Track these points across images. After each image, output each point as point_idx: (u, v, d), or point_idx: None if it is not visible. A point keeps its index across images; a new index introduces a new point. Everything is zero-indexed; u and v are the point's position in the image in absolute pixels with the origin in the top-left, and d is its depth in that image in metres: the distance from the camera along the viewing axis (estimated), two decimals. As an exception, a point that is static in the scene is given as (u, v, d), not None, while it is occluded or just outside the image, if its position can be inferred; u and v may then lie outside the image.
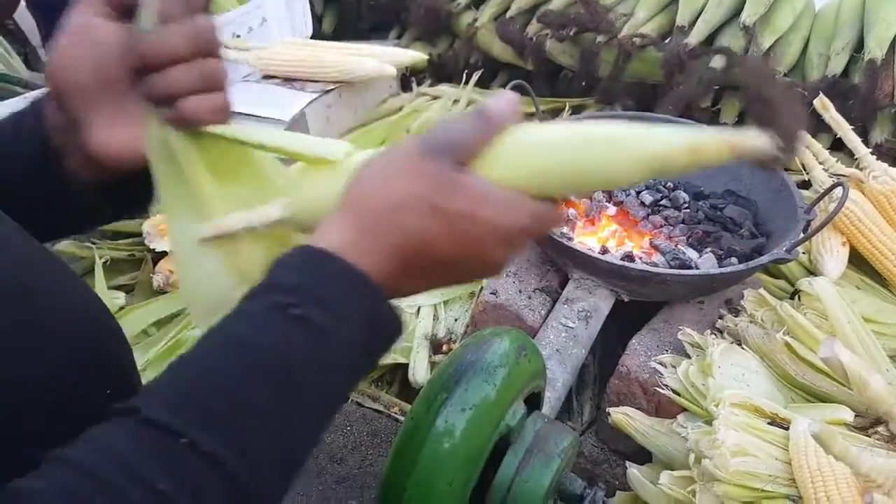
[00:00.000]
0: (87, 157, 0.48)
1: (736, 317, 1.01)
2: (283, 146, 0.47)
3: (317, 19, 1.73)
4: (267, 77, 1.48)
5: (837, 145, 1.28)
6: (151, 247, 1.22)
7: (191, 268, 0.51)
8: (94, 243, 1.23)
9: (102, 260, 1.21)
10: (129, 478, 0.33)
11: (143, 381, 0.54)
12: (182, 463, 0.34)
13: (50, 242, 0.63)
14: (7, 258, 0.44)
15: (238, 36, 1.62)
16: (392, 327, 0.42)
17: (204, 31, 0.45)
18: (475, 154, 0.42)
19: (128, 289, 1.25)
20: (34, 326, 0.44)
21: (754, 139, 0.40)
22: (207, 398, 0.36)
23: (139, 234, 1.25)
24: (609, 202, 1.11)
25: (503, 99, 0.43)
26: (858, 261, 1.13)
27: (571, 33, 1.48)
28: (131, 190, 0.52)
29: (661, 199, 1.11)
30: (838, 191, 0.99)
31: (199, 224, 0.49)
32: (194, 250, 0.49)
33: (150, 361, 1.08)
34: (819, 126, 1.33)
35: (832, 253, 1.09)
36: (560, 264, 1.05)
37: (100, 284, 1.18)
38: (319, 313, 0.39)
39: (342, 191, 0.43)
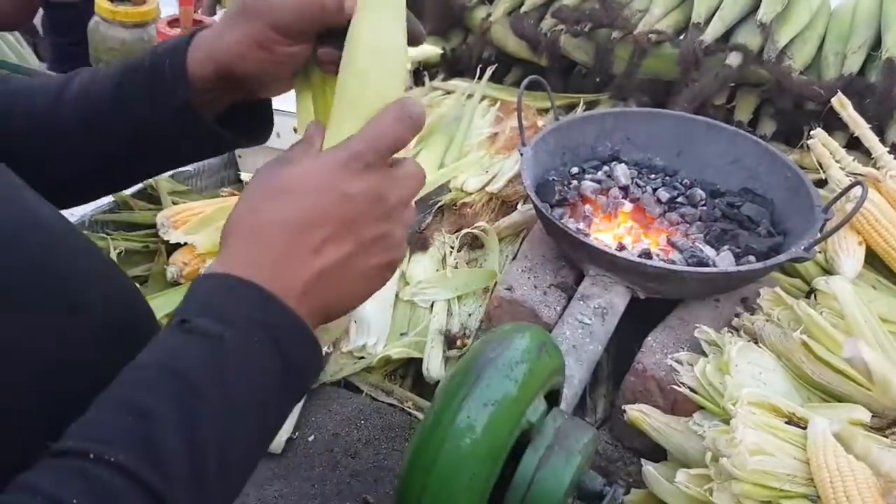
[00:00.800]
0: (228, 83, 0.54)
1: (752, 315, 1.01)
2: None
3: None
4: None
5: (853, 144, 1.28)
6: (165, 238, 1.21)
7: None
8: (107, 234, 1.23)
9: (117, 251, 1.21)
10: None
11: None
12: (90, 477, 0.34)
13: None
14: (41, 234, 0.45)
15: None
16: (295, 328, 0.43)
17: None
18: (298, 156, 0.48)
19: (141, 280, 1.25)
20: (72, 309, 0.45)
21: None
22: (114, 416, 0.37)
23: (153, 226, 1.25)
24: (625, 199, 1.11)
25: (309, 126, 0.51)
26: (874, 260, 1.13)
27: (586, 29, 1.47)
28: (254, 120, 0.60)
29: (678, 196, 1.11)
30: (856, 190, 0.99)
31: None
32: None
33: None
34: (835, 124, 1.32)
35: (848, 252, 1.09)
36: (576, 260, 1.05)
37: (113, 276, 1.18)
38: (205, 322, 0.40)
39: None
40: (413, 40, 0.53)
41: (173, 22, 1.48)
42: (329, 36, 0.53)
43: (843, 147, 1.22)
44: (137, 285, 1.20)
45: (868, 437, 0.84)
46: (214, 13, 1.72)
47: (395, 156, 0.48)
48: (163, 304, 1.15)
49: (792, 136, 1.42)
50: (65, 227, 0.49)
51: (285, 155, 0.48)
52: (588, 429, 0.69)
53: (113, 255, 1.19)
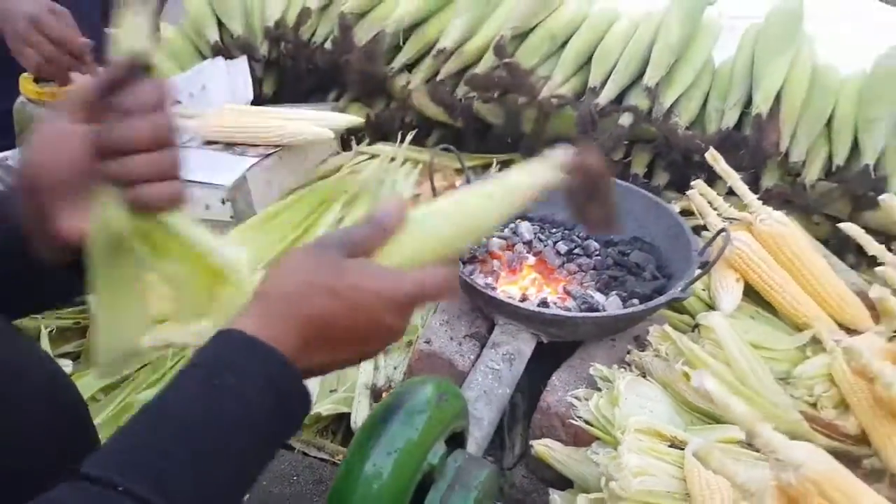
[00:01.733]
0: (54, 240, 0.56)
1: (643, 351, 1.13)
2: (202, 251, 0.57)
3: (257, 82, 1.83)
4: (208, 142, 1.55)
5: (731, 192, 1.44)
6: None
7: (110, 332, 0.59)
8: (37, 315, 1.29)
9: (48, 329, 1.27)
10: None
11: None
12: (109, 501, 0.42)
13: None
14: None
15: (179, 102, 1.71)
16: (299, 392, 0.52)
17: (162, 125, 0.53)
18: (366, 251, 0.54)
19: (74, 356, 1.31)
20: (12, 402, 0.53)
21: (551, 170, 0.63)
22: (136, 454, 0.45)
23: (83, 303, 1.31)
24: (529, 253, 1.23)
25: (393, 204, 0.55)
26: (753, 294, 1.27)
27: (496, 95, 1.62)
28: None
29: (575, 247, 1.24)
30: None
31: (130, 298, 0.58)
32: (117, 317, 0.58)
33: (100, 425, 1.14)
34: (715, 174, 1.48)
35: (727, 289, 1.23)
36: (486, 312, 1.16)
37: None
38: (229, 377, 0.49)
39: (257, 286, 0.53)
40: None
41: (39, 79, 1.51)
42: None
43: (726, 194, 1.38)
44: (70, 361, 1.26)
45: (737, 453, 0.96)
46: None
47: None
48: (93, 381, 1.21)
49: (682, 185, 1.57)
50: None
51: (353, 239, 0.54)
52: (486, 466, 0.79)
53: (44, 334, 1.25)
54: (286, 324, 0.51)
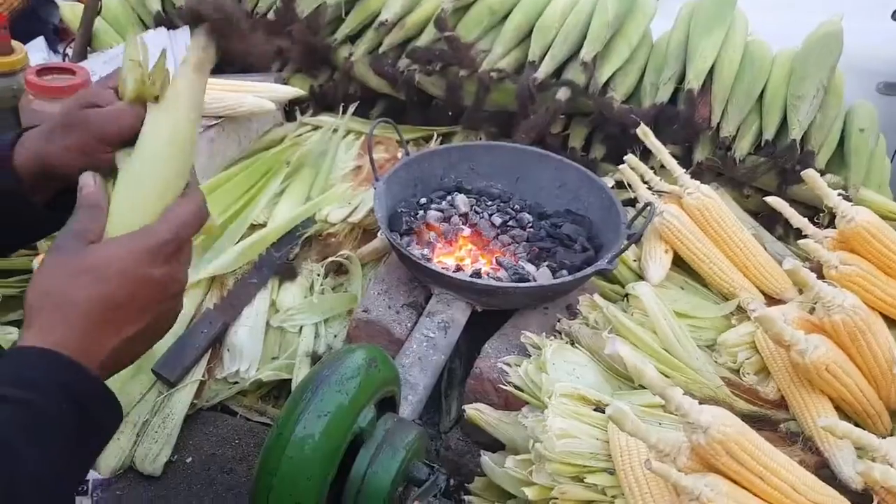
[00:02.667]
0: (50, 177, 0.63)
1: (573, 320, 1.18)
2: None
3: (200, 53, 1.80)
4: (151, 113, 1.54)
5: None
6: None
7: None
8: (-18, 282, 1.28)
9: (-7, 297, 1.26)
10: None
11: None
12: None
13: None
14: None
15: (121, 72, 1.68)
16: (97, 390, 0.52)
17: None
18: (93, 229, 0.56)
19: (20, 324, 1.30)
20: None
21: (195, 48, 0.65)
22: None
23: (30, 271, 1.30)
24: (465, 225, 1.26)
25: (84, 180, 0.59)
26: (683, 264, 1.33)
27: (437, 68, 1.63)
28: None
29: (509, 220, 1.28)
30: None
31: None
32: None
33: None
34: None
35: (656, 260, 1.28)
36: (423, 282, 1.20)
37: (-9, 321, 1.23)
38: (13, 390, 0.48)
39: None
40: None
41: (42, 71, 1.52)
42: None
43: (660, 167, 1.42)
44: (15, 329, 1.25)
45: (659, 416, 1.02)
46: (85, 57, 1.77)
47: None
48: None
49: (619, 158, 1.61)
50: None
51: (81, 228, 0.56)
52: (414, 428, 0.83)
53: (-10, 302, 1.24)
54: (62, 325, 0.52)
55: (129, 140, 0.62)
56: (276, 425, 0.76)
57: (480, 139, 1.64)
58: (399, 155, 1.56)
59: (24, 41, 1.65)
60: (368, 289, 1.23)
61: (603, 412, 1.03)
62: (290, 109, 1.78)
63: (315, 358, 1.20)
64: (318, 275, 1.31)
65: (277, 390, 1.24)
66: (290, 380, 1.20)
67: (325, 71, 1.82)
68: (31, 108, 1.41)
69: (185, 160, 0.61)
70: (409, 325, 1.17)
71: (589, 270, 1.10)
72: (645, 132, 1.35)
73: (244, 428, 1.14)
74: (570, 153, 1.58)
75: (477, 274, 1.13)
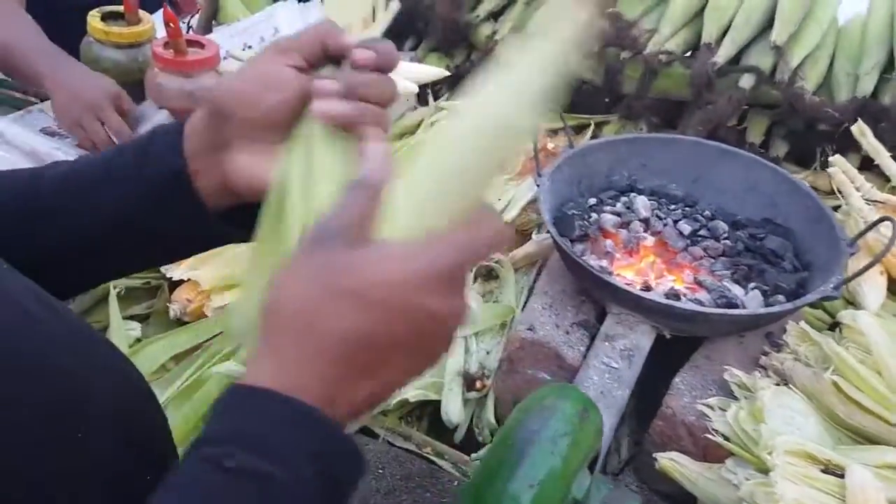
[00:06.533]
0: (222, 180, 0.51)
1: (778, 352, 0.99)
2: None
3: (330, 27, 1.68)
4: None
5: (864, 165, 1.26)
6: (168, 275, 1.17)
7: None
8: (107, 272, 1.19)
9: (116, 290, 1.16)
10: None
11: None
12: None
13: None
14: (31, 332, 0.42)
15: (250, 47, 1.57)
16: (345, 453, 0.39)
17: (390, 85, 0.49)
18: (366, 226, 0.40)
19: (142, 318, 1.21)
20: (71, 419, 0.42)
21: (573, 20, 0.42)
22: None
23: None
24: (646, 232, 1.08)
25: (372, 157, 0.42)
26: (894, 289, 1.12)
27: (595, 48, 1.44)
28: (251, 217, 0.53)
29: (700, 228, 1.08)
30: (884, 225, 0.97)
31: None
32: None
33: (170, 399, 1.04)
34: (847, 146, 1.31)
35: (871, 284, 1.07)
36: (598, 298, 1.02)
37: (114, 315, 1.13)
38: (253, 459, 0.36)
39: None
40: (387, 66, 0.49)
41: (168, 43, 1.43)
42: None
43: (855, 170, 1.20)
44: (138, 324, 1.16)
45: (879, 478, 0.82)
46: (210, 31, 1.67)
47: None
48: (166, 348, 1.11)
49: (804, 158, 1.40)
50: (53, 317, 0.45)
51: (356, 215, 0.39)
52: (634, 498, 0.66)
53: (113, 294, 1.15)
54: (305, 358, 0.38)
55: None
56: (472, 491, 0.61)
57: (642, 130, 1.45)
58: (550, 146, 1.39)
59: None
60: (530, 302, 1.07)
61: (833, 474, 0.84)
62: (421, 93, 1.64)
63: (467, 378, 1.05)
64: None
65: (420, 410, 1.10)
66: (434, 401, 1.06)
67: (463, 50, 1.66)
68: (157, 83, 1.32)
69: (509, 149, 0.44)
70: (581, 348, 1.00)
71: (811, 297, 0.91)
72: (862, 130, 1.14)
73: (388, 455, 1.00)
74: (749, 150, 1.37)
75: (673, 295, 0.95)
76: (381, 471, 0.98)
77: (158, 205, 0.52)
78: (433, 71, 1.43)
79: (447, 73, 1.50)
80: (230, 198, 0.52)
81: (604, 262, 1.03)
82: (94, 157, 0.55)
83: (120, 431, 0.45)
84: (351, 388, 0.38)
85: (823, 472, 0.83)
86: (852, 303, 1.09)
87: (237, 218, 0.53)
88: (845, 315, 1.01)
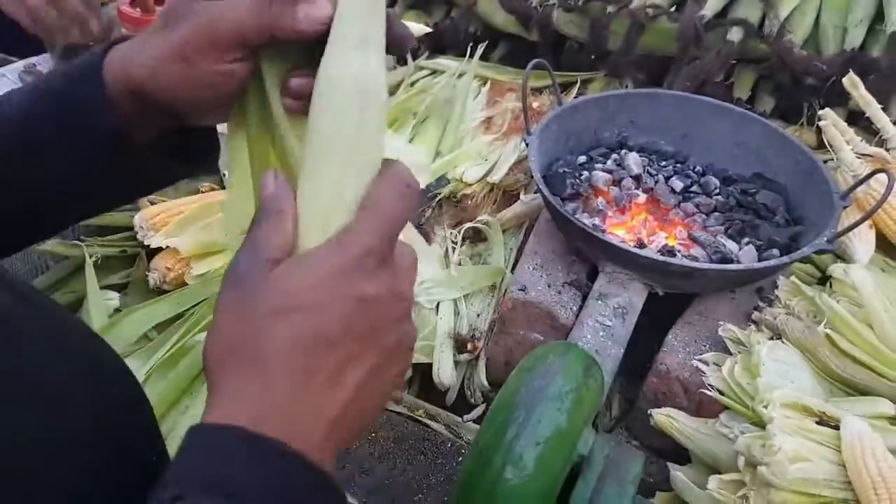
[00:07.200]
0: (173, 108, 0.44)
1: (770, 307, 0.98)
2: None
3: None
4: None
5: (851, 120, 1.25)
6: (145, 242, 1.13)
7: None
8: (82, 240, 1.14)
9: (93, 259, 1.12)
10: None
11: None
12: None
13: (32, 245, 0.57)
14: None
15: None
16: (319, 486, 0.35)
17: None
18: (278, 246, 0.37)
19: (120, 287, 1.17)
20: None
21: None
22: None
23: (130, 228, 1.16)
24: (638, 189, 1.06)
25: (270, 180, 0.38)
26: (881, 242, 1.11)
27: (580, 3, 1.41)
28: (199, 148, 0.51)
29: (692, 184, 1.07)
30: (880, 177, 0.96)
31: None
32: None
33: (152, 369, 1.01)
34: (834, 100, 1.30)
35: (861, 237, 1.07)
36: (591, 257, 1.01)
37: (91, 285, 1.10)
38: (204, 499, 0.32)
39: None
40: (399, 45, 0.44)
41: (135, 1, 1.36)
42: (275, 55, 0.42)
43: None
44: (116, 294, 1.12)
45: (874, 429, 0.83)
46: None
47: None
48: (146, 318, 1.08)
49: (790, 113, 1.39)
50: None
51: (262, 246, 0.37)
52: (638, 455, 0.65)
53: (89, 263, 1.11)
54: (262, 391, 0.35)
55: (257, 48, 0.41)
56: (479, 452, 0.60)
57: (628, 87, 1.43)
58: (535, 105, 1.36)
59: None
60: (521, 263, 1.05)
61: (828, 426, 0.84)
62: (401, 51, 1.59)
63: (459, 340, 1.03)
64: (454, 243, 1.14)
65: (410, 372, 1.08)
66: (425, 364, 1.04)
67: (442, 7, 1.62)
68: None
69: (381, 114, 0.40)
70: (573, 308, 0.99)
71: (806, 250, 0.90)
72: (854, 82, 1.12)
73: (381, 418, 0.98)
74: (736, 105, 1.35)
75: (668, 251, 0.93)
76: (373, 435, 0.97)
77: (93, 163, 0.46)
78: (416, 27, 1.39)
79: (428, 30, 1.45)
80: (157, 119, 0.46)
81: (596, 220, 1.01)
82: (11, 114, 0.46)
83: (98, 426, 0.42)
84: (315, 401, 0.35)
85: (818, 423, 0.83)
86: (841, 257, 1.09)
87: (167, 148, 0.48)
88: (836, 269, 1.00)
